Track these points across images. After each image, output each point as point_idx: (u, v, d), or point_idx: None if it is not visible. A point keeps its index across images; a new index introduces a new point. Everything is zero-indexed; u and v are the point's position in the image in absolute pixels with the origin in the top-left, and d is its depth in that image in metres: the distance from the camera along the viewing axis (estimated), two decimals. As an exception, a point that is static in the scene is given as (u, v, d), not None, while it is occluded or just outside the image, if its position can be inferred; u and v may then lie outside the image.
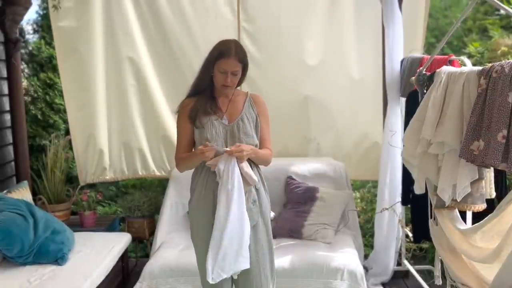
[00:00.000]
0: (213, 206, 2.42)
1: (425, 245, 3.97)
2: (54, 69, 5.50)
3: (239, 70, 2.43)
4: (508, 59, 3.01)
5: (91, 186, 4.57)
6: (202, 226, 2.47)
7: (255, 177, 2.43)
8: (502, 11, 2.62)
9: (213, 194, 2.44)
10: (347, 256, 3.25)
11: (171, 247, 3.42)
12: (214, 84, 2.47)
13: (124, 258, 3.74)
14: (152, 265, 3.20)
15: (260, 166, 2.58)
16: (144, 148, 4.38)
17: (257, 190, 2.51)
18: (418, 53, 3.78)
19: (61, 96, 4.47)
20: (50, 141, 4.26)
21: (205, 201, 2.45)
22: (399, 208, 3.67)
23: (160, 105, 4.32)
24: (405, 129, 2.88)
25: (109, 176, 4.38)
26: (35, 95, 5.66)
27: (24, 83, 5.48)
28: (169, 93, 4.31)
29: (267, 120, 2.60)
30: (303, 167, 3.96)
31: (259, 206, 2.50)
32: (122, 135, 4.35)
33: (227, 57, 2.38)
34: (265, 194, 2.59)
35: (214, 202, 2.41)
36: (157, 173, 4.45)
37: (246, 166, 2.41)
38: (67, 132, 4.37)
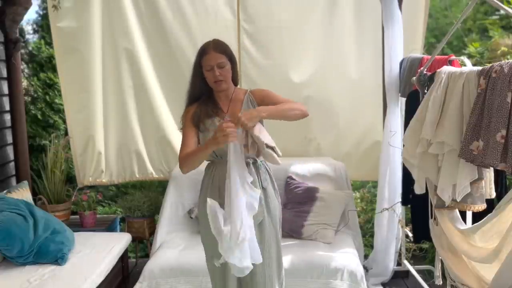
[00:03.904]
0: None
1: (425, 245, 3.96)
2: (54, 69, 5.50)
3: (225, 62, 2.37)
4: (508, 59, 3.01)
5: (91, 186, 4.56)
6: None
7: (263, 138, 2.27)
8: (502, 11, 2.62)
9: (219, 191, 2.39)
10: (347, 256, 3.25)
11: (171, 247, 3.42)
12: (212, 88, 2.44)
13: (124, 258, 3.74)
14: (152, 265, 3.20)
15: (270, 165, 2.46)
16: (142, 150, 4.37)
17: (264, 189, 2.44)
18: (418, 53, 3.78)
19: (61, 96, 4.46)
20: (50, 141, 4.25)
21: (211, 197, 2.38)
22: (399, 208, 3.67)
23: (159, 106, 4.31)
24: (405, 129, 2.88)
25: (106, 179, 4.38)
26: (35, 95, 5.66)
27: (24, 83, 5.48)
28: (168, 94, 4.31)
29: (274, 94, 2.46)
30: (303, 167, 3.95)
31: (264, 206, 2.43)
32: (120, 137, 4.34)
33: (207, 53, 2.37)
34: (275, 195, 2.52)
35: (220, 200, 2.34)
36: (155, 176, 4.44)
37: (257, 129, 2.29)
38: (67, 132, 4.37)
